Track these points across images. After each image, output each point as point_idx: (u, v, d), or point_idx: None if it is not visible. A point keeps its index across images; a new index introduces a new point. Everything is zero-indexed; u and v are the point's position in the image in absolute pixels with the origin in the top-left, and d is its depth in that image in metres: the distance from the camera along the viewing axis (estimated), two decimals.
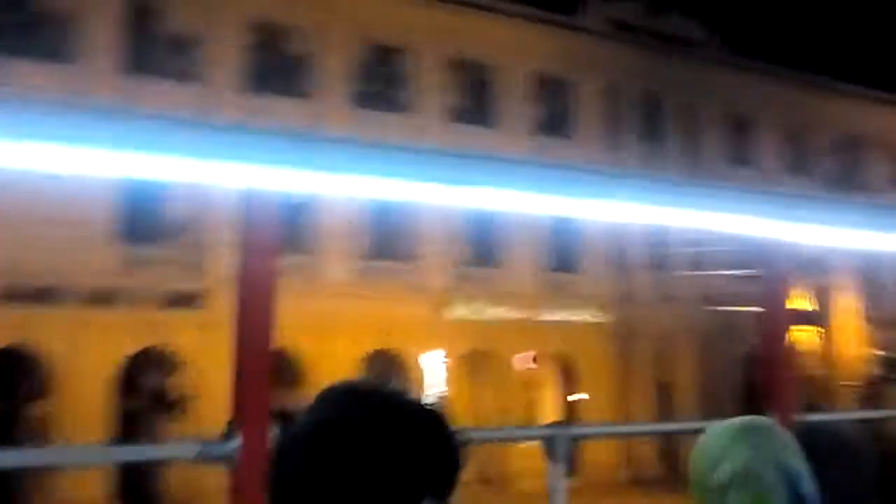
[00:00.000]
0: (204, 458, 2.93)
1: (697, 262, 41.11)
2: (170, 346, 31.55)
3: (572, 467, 4.60)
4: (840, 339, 45.67)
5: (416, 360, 35.99)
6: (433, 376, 36.13)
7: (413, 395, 1.80)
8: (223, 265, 31.73)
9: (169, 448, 3.81)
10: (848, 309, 45.51)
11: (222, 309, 31.67)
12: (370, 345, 34.94)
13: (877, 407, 36.08)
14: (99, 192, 29.72)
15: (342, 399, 1.76)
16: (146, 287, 30.85)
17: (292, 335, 32.45)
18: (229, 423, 2.95)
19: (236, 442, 2.90)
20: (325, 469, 1.68)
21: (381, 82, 37.65)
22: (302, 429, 1.73)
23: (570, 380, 40.83)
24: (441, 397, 35.82)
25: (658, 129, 44.91)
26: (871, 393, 44.33)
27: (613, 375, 40.82)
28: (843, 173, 51.87)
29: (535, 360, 38.45)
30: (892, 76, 51.65)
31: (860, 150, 53.21)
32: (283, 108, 33.73)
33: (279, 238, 3.12)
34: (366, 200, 34.90)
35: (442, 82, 38.63)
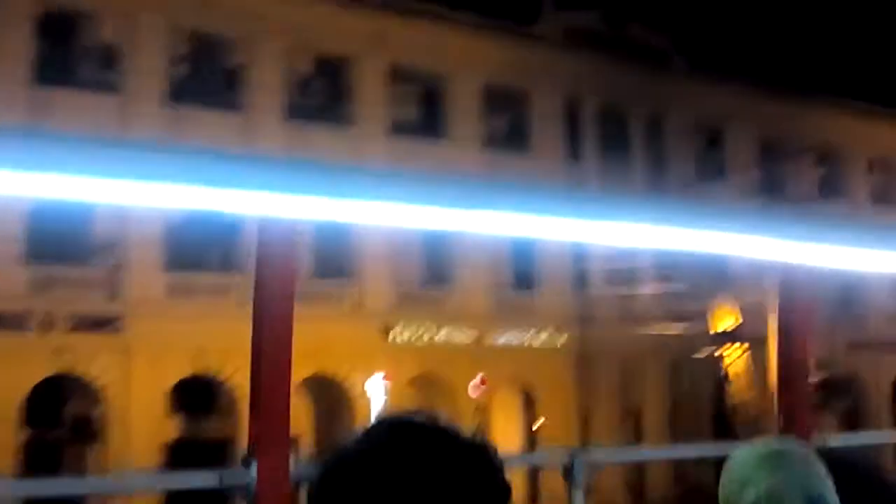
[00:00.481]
0: (223, 487, 2.91)
1: (664, 278, 39.27)
2: (84, 372, 29.73)
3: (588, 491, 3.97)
4: (772, 359, 42.05)
5: (359, 385, 34.12)
6: (379, 402, 34.27)
7: (460, 427, 1.74)
8: (143, 288, 30.04)
9: (189, 477, 3.81)
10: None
11: (141, 333, 30.08)
12: (306, 370, 33.06)
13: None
14: (6, 211, 28.00)
15: (387, 429, 1.73)
16: (58, 310, 29.05)
17: (220, 360, 30.81)
18: (247, 452, 2.93)
19: (254, 471, 2.86)
20: (367, 499, 1.66)
21: (319, 94, 35.96)
22: (347, 459, 1.71)
23: (528, 405, 38.97)
24: None
25: (622, 142, 43.19)
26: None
27: (574, 401, 38.90)
28: (820, 186, 50.25)
29: (483, 381, 36.47)
30: (870, 87, 49.81)
31: (837, 162, 51.56)
32: (212, 121, 32.03)
33: (295, 266, 3.12)
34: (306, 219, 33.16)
35: (386, 94, 36.91)
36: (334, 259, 34.84)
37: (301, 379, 33.23)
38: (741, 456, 2.65)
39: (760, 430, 37.84)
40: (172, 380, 30.89)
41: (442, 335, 36.03)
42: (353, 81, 36.28)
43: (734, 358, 39.87)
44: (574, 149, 41.70)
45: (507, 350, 37.56)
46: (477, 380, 36.41)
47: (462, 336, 36.64)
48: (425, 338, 35.69)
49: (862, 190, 51.78)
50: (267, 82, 33.91)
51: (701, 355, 39.45)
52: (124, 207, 24.79)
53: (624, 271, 38.47)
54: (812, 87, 48.40)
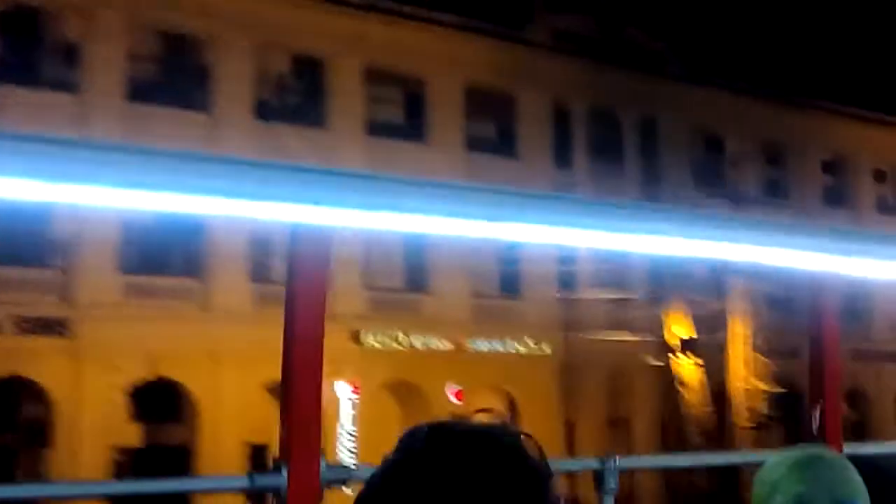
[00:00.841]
0: (254, 491, 2.95)
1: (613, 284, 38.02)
2: (36, 376, 29.04)
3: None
4: (730, 371, 39.43)
5: (326, 391, 33.21)
6: (347, 409, 33.45)
7: (508, 429, 1.68)
8: (96, 290, 29.37)
9: (219, 480, 4.24)
10: (737, 337, 39.65)
11: (94, 337, 29.38)
12: (269, 374, 32.27)
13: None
14: None
15: (426, 435, 1.67)
16: (8, 312, 28.40)
17: (180, 365, 30.11)
18: (276, 457, 2.96)
19: (284, 475, 2.91)
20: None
21: (295, 94, 35.21)
22: (385, 469, 1.67)
23: (511, 415, 37.94)
24: (349, 431, 33.19)
25: (614, 148, 42.19)
26: (761, 436, 38.52)
27: (558, 411, 37.86)
28: (826, 195, 49.05)
29: (458, 395, 35.55)
30: (877, 95, 48.48)
31: (844, 171, 50.37)
32: (177, 120, 31.35)
33: (328, 274, 3.16)
34: (270, 221, 32.40)
35: (365, 95, 36.11)
36: None
37: (267, 383, 32.54)
38: (772, 462, 2.65)
39: (715, 445, 36.61)
40: (127, 384, 30.16)
41: (418, 341, 35.09)
42: (329, 82, 35.50)
43: (687, 369, 38.37)
44: (564, 154, 40.75)
45: (488, 357, 36.61)
46: (451, 388, 35.54)
47: (439, 343, 35.73)
48: (399, 343, 34.77)
49: (868, 199, 50.55)
50: (236, 81, 33.17)
51: (651, 364, 37.95)
52: (79, 208, 24.13)
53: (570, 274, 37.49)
54: (819, 95, 47.27)
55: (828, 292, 4.35)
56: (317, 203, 2.90)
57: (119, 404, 30.24)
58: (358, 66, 35.73)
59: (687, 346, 38.07)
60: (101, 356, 28.89)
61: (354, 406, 33.50)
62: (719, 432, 37.78)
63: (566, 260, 36.22)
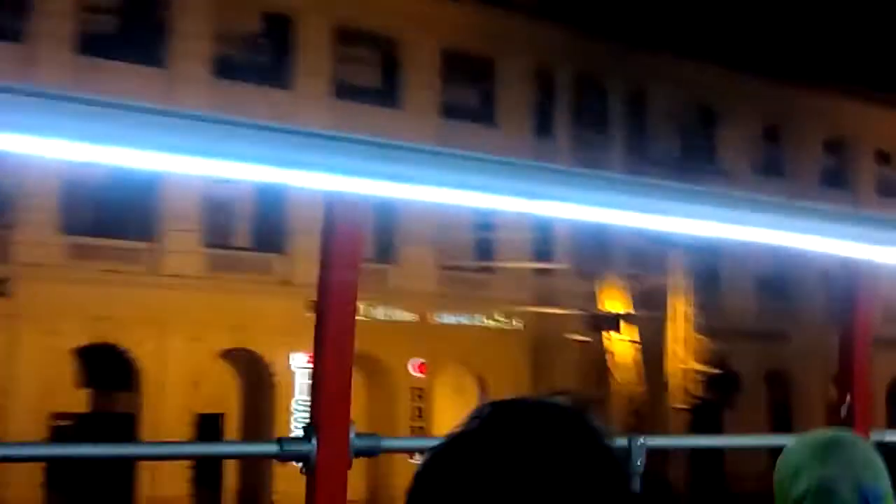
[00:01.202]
0: (283, 458, 2.99)
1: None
2: None
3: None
4: (668, 350, 37.15)
5: (282, 362, 32.12)
6: (304, 381, 32.29)
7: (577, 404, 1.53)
8: (37, 250, 28.24)
9: (249, 446, 4.30)
10: (677, 315, 37.47)
11: (33, 298, 28.26)
12: (221, 343, 31.17)
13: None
14: None
15: (489, 412, 1.54)
16: None
17: (126, 331, 29.02)
18: (307, 425, 2.99)
19: (314, 443, 2.94)
20: (459, 487, 1.46)
21: (259, 53, 33.93)
22: (446, 444, 1.53)
23: (479, 390, 36.75)
24: (306, 405, 32.00)
25: (599, 118, 40.78)
26: (700, 419, 37.09)
27: (527, 388, 36.57)
28: (825, 176, 47.61)
29: (422, 369, 34.36)
30: (881, 74, 46.86)
31: (846, 151, 48.92)
32: (131, 76, 30.11)
33: (362, 245, 3.23)
34: (224, 181, 31.33)
35: (334, 56, 34.79)
36: (263, 229, 32.99)
37: (221, 350, 31.55)
38: (796, 445, 2.66)
39: (647, 426, 34.98)
40: (69, 349, 29.08)
41: (380, 312, 33.83)
42: (297, 41, 34.20)
43: (620, 346, 36.66)
44: (545, 124, 39.38)
45: (455, 330, 35.40)
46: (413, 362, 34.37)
47: (404, 315, 34.52)
48: (361, 314, 33.50)
49: (868, 181, 49.05)
50: (195, 37, 31.88)
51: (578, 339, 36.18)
52: (20, 167, 23.01)
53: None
54: (821, 73, 45.73)
55: (863, 279, 4.28)
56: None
57: (62, 369, 29.17)
58: (326, 24, 34.40)
59: (618, 322, 36.33)
60: (42, 319, 27.78)
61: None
62: (652, 413, 36.14)
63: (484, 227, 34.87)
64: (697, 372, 36.29)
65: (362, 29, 35.11)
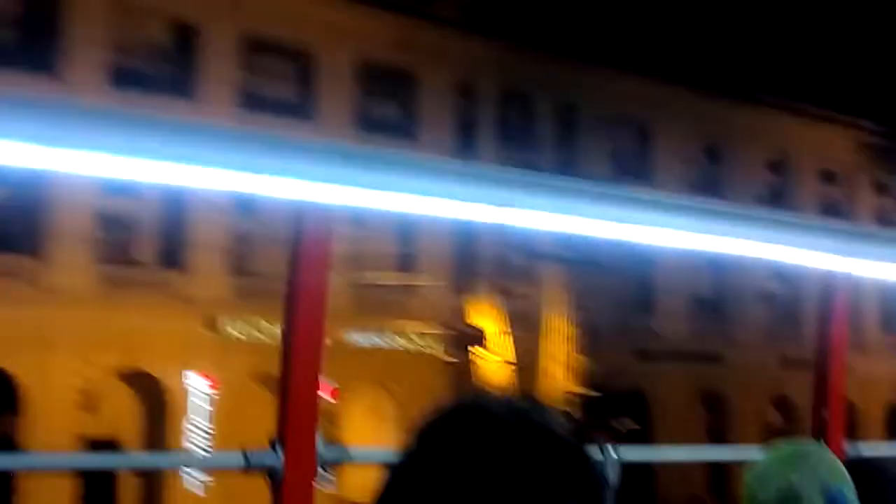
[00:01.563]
0: (249, 469, 2.94)
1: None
2: None
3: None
4: (543, 371, 35.35)
5: (178, 382, 30.84)
6: (201, 401, 31.03)
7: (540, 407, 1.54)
8: None
9: (214, 458, 2.43)
10: (554, 333, 35.86)
11: None
12: (111, 363, 29.89)
13: None
14: None
15: (445, 415, 1.52)
16: None
17: (5, 351, 27.71)
18: (274, 437, 2.93)
19: (281, 453, 2.91)
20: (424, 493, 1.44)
21: (162, 63, 32.80)
22: (410, 445, 1.53)
23: (396, 413, 35.51)
24: (205, 427, 30.80)
25: (527, 135, 39.74)
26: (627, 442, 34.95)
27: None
28: (768, 195, 46.73)
29: (334, 394, 33.07)
30: (824, 91, 46.04)
31: (788, 170, 48.07)
32: (20, 85, 28.87)
33: (332, 254, 3.11)
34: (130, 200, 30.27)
35: (242, 66, 33.69)
36: (168, 246, 31.82)
37: (114, 371, 30.35)
38: (769, 454, 2.73)
39: None
40: None
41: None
42: (202, 50, 33.08)
43: (491, 366, 35.24)
44: (468, 140, 38.29)
45: (370, 352, 34.16)
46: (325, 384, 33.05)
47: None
48: (262, 332, 32.22)
49: (811, 201, 48.15)
50: (90, 45, 30.73)
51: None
52: None
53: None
54: (762, 89, 44.90)
55: (839, 292, 4.35)
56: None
57: None
58: (235, 33, 33.31)
59: (487, 340, 34.93)
60: None
61: (211, 400, 31.06)
62: None
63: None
64: (574, 394, 34.83)
65: (273, 38, 34.05)
